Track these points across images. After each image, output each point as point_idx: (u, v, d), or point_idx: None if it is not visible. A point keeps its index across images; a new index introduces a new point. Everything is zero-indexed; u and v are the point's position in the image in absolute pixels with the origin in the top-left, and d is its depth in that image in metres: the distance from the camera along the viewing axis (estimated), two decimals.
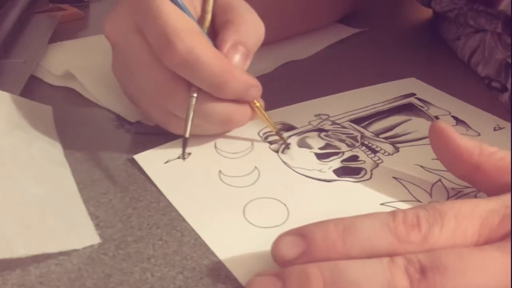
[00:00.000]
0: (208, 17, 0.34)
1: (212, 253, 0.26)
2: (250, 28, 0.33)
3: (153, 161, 0.33)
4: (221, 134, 0.35)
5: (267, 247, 0.24)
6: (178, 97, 0.31)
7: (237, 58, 0.32)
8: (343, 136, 0.36)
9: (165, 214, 0.29)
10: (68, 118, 0.37)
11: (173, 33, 0.29)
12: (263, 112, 0.34)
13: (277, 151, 0.34)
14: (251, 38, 0.33)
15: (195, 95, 0.31)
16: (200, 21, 0.34)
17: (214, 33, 0.33)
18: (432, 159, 0.33)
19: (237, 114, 0.33)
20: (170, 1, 0.30)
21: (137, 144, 0.35)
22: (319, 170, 0.33)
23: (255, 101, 0.33)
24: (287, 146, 0.35)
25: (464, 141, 0.28)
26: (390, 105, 0.41)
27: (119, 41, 0.33)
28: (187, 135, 0.32)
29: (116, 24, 0.33)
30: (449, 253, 0.22)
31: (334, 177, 0.32)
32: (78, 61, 0.44)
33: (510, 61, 0.42)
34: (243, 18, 0.33)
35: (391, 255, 0.22)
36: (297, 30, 0.53)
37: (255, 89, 0.32)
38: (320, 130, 0.37)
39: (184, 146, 0.33)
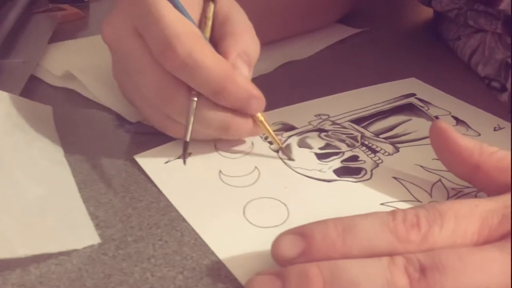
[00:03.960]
0: (209, 23, 0.34)
1: (212, 253, 0.26)
2: (250, 40, 0.33)
3: (153, 161, 0.33)
4: None
5: (267, 247, 0.24)
6: (178, 102, 0.31)
7: (243, 66, 0.32)
8: (343, 136, 0.36)
9: (165, 214, 0.29)
10: (68, 118, 0.37)
11: (173, 36, 0.29)
12: (268, 127, 0.33)
13: (277, 151, 0.34)
14: (252, 50, 0.33)
15: (195, 99, 0.31)
16: (201, 26, 0.34)
17: (213, 43, 0.33)
18: (432, 159, 0.33)
19: (236, 123, 0.32)
20: (171, 4, 0.30)
21: (137, 144, 0.35)
22: (319, 170, 0.33)
23: (259, 115, 0.33)
24: (290, 157, 0.34)
25: (464, 141, 0.28)
26: (390, 105, 0.41)
27: (118, 45, 0.33)
28: (187, 138, 0.32)
29: (115, 28, 0.33)
30: (448, 253, 0.22)
31: (334, 177, 0.32)
32: (78, 61, 0.44)
33: (510, 61, 0.42)
34: (243, 30, 0.33)
35: (390, 254, 0.22)
36: (297, 30, 0.53)
37: (257, 101, 0.32)
38: (320, 130, 0.37)
39: (184, 150, 0.32)
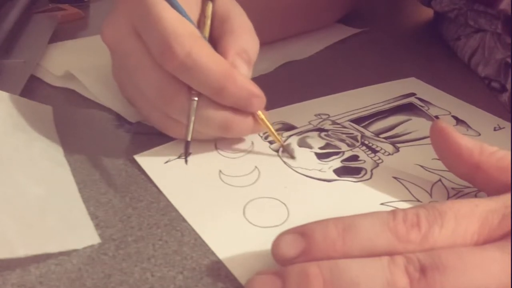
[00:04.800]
0: (208, 22, 0.34)
1: (212, 253, 0.26)
2: (250, 38, 0.33)
3: (153, 161, 0.33)
4: None
5: (267, 246, 0.24)
6: (178, 102, 0.31)
7: (242, 65, 0.32)
8: (343, 136, 0.36)
9: (165, 214, 0.29)
10: (68, 118, 0.37)
11: (172, 37, 0.29)
12: (269, 124, 0.33)
13: (277, 151, 0.34)
14: (252, 48, 0.33)
15: (196, 98, 0.31)
16: (200, 25, 0.34)
17: (212, 42, 0.33)
18: (432, 159, 0.33)
19: (237, 122, 0.32)
20: (170, 5, 0.30)
21: (137, 144, 0.35)
22: (319, 170, 0.33)
23: (260, 113, 0.33)
24: (292, 154, 0.34)
25: (464, 141, 0.28)
26: (390, 105, 0.41)
27: (118, 46, 0.33)
28: (189, 138, 0.32)
29: (114, 29, 0.33)
30: (448, 253, 0.22)
31: (334, 176, 0.32)
32: (78, 61, 0.44)
33: (509, 61, 0.42)
34: (243, 28, 0.33)
35: (391, 254, 0.22)
36: (297, 30, 0.53)
37: (258, 99, 0.32)
38: (320, 130, 0.37)
39: (186, 149, 0.32)
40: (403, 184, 0.31)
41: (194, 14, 0.34)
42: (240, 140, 0.35)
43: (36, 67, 0.43)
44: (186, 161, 0.32)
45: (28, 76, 0.41)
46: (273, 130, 0.34)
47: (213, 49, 0.31)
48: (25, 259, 0.25)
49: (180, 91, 0.31)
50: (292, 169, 0.33)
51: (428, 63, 0.50)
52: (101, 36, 0.34)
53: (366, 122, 0.38)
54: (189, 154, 0.33)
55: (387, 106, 0.40)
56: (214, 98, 0.31)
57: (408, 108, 0.40)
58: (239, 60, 0.32)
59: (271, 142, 0.35)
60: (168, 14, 0.30)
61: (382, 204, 0.30)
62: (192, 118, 0.31)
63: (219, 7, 0.34)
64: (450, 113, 0.40)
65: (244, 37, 0.33)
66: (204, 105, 0.31)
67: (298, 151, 0.34)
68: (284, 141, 0.35)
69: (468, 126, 0.38)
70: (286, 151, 0.34)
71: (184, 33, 0.30)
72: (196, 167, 0.32)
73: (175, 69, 0.30)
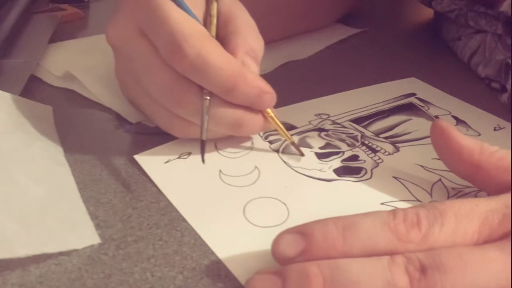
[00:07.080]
0: (214, 21, 0.34)
1: (212, 253, 0.26)
2: (255, 38, 0.33)
3: (153, 161, 0.33)
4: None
5: (267, 246, 0.24)
6: (189, 101, 0.31)
7: (252, 63, 0.32)
8: (344, 136, 0.36)
9: (165, 214, 0.29)
10: (68, 118, 0.37)
11: (181, 37, 0.29)
12: (278, 122, 0.33)
13: (277, 151, 0.34)
14: (258, 47, 0.33)
15: (208, 97, 0.31)
16: (206, 25, 0.33)
17: (218, 41, 0.33)
18: (432, 158, 0.33)
19: (248, 120, 0.32)
20: (176, 4, 0.30)
21: (137, 144, 0.35)
22: (320, 170, 0.33)
23: (268, 111, 0.33)
24: (301, 152, 0.34)
25: (465, 140, 0.28)
26: (390, 105, 0.41)
27: (124, 47, 0.33)
28: (204, 137, 0.31)
29: (119, 30, 0.33)
30: (449, 252, 0.22)
31: (335, 176, 0.32)
32: (78, 61, 0.44)
33: (510, 62, 0.42)
34: (248, 28, 0.33)
35: (391, 254, 0.22)
36: (297, 30, 0.53)
37: (269, 96, 0.32)
38: (320, 130, 0.37)
39: (202, 149, 0.32)
40: (403, 184, 0.31)
41: (200, 13, 0.34)
42: (240, 140, 0.35)
43: (36, 67, 0.44)
44: (203, 161, 0.32)
45: (28, 76, 0.41)
46: (282, 127, 0.33)
47: (222, 48, 0.31)
48: (25, 259, 0.25)
49: (191, 90, 0.31)
50: (292, 168, 0.33)
51: (428, 63, 0.50)
52: (106, 37, 0.33)
53: (366, 122, 0.38)
54: (189, 154, 0.33)
55: (387, 106, 0.40)
56: (225, 97, 0.31)
57: (408, 108, 0.40)
58: (248, 59, 0.32)
59: (271, 142, 0.35)
60: (176, 14, 0.30)
61: (382, 203, 0.30)
62: (206, 118, 0.31)
63: (222, 7, 0.34)
64: (450, 113, 0.40)
65: (250, 36, 0.33)
66: (215, 104, 0.31)
67: None
68: (284, 142, 0.35)
69: (468, 126, 0.38)
70: (295, 148, 0.34)
71: (193, 33, 0.29)
72: (196, 167, 0.32)
73: (186, 70, 0.30)
